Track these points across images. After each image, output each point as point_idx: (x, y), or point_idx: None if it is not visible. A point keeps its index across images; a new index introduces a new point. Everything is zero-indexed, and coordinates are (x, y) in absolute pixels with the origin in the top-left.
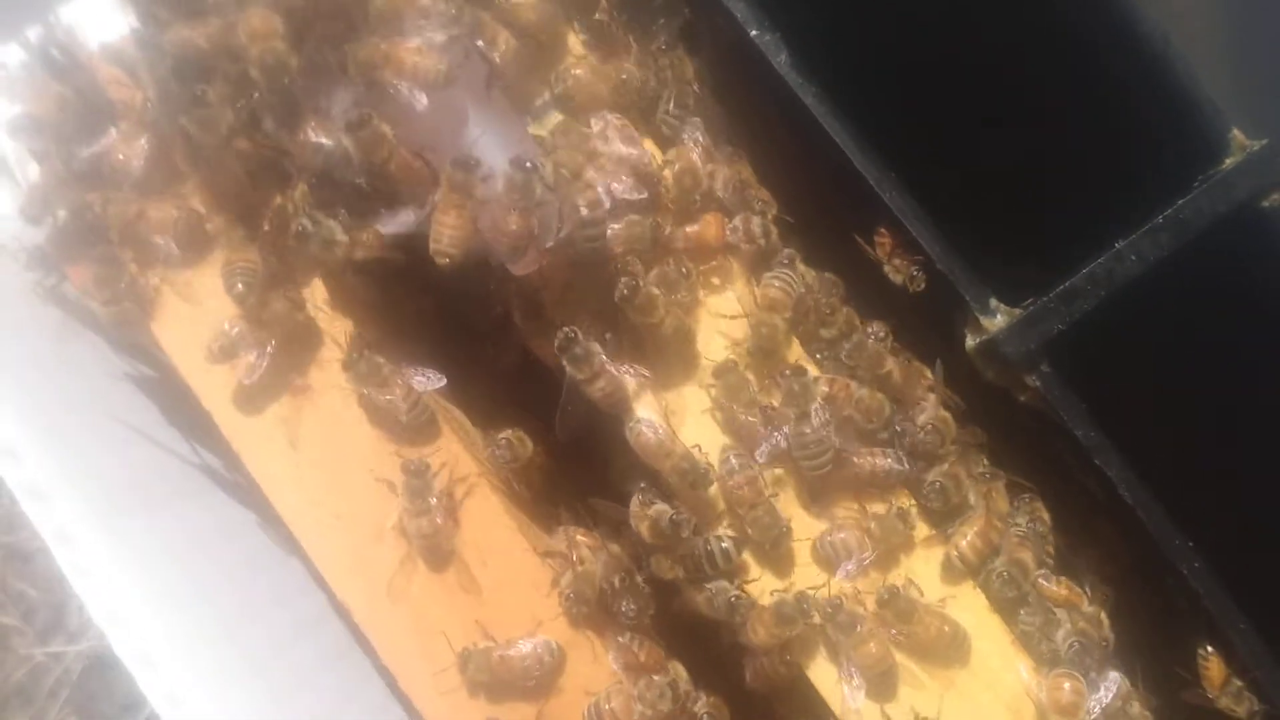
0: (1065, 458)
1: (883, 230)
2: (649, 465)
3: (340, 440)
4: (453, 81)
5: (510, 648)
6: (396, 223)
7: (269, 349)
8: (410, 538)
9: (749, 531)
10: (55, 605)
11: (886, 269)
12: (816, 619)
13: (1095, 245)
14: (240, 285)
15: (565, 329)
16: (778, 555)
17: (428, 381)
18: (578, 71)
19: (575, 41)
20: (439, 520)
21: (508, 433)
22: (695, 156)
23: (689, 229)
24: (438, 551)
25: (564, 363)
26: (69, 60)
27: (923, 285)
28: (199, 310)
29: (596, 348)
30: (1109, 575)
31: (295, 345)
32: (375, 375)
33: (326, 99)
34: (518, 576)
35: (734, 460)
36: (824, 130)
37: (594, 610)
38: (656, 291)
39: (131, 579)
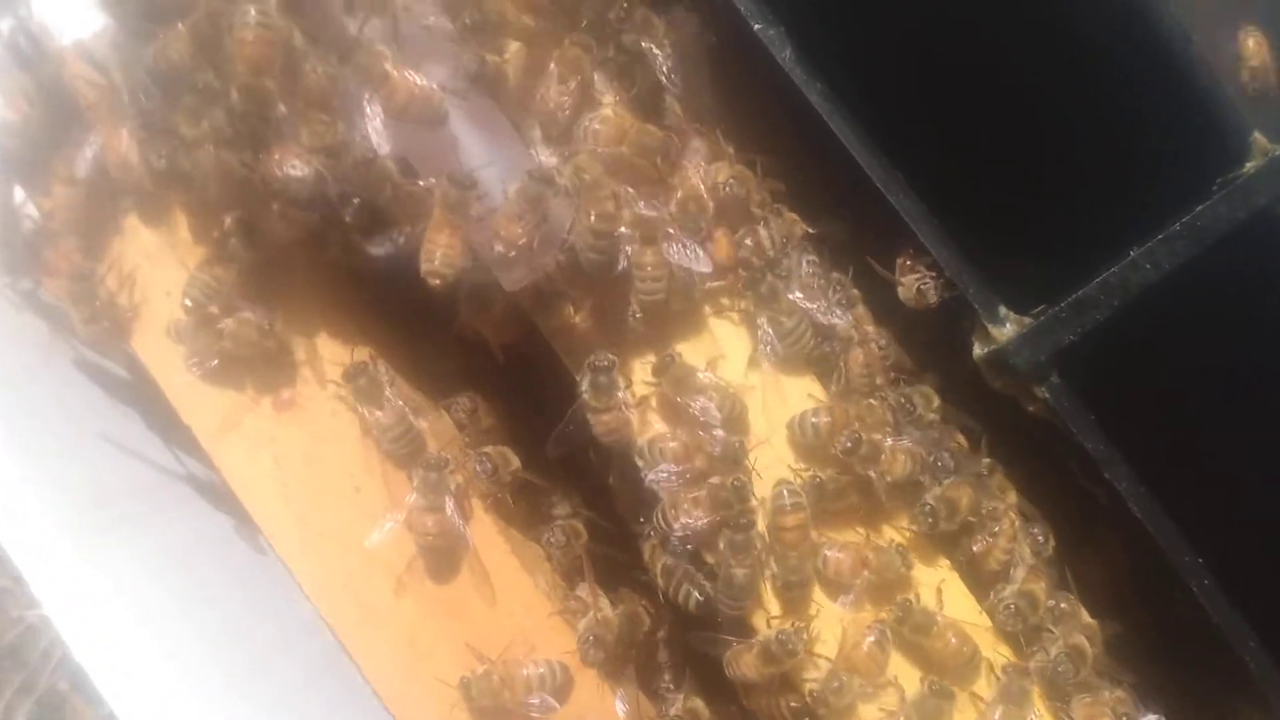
0: (1072, 468)
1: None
2: None
3: (326, 457)
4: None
5: (517, 667)
6: (386, 243)
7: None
8: (417, 536)
9: (773, 565)
10: None
11: (899, 287)
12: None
13: (1109, 252)
14: (189, 300)
15: (608, 355)
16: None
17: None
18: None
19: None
20: (453, 517)
21: (489, 448)
22: (698, 181)
23: None
24: (445, 553)
25: (585, 387)
26: (37, 52)
27: (932, 299)
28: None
29: (621, 383)
30: (1107, 585)
31: (270, 363)
32: (375, 395)
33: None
34: (510, 598)
35: (787, 496)
36: (829, 129)
37: (610, 654)
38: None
39: (109, 595)
